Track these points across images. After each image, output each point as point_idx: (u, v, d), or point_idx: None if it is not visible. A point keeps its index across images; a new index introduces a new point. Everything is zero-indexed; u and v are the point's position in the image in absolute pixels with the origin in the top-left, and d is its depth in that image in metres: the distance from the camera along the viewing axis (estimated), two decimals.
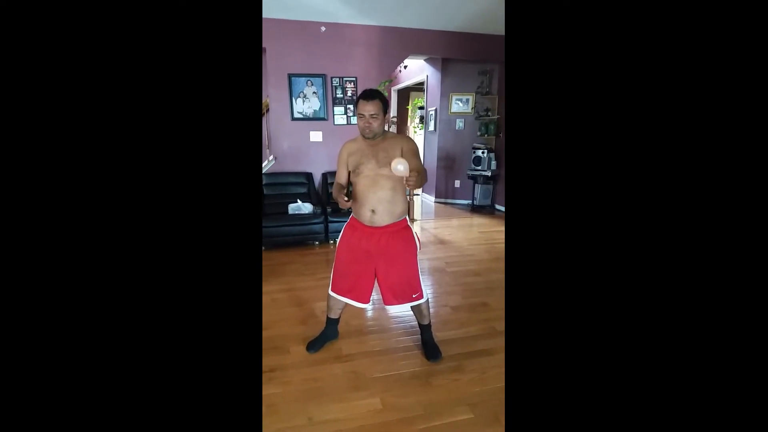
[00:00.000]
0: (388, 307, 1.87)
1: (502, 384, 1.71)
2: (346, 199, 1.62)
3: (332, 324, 1.99)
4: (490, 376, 1.77)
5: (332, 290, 1.88)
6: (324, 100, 4.17)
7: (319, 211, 3.73)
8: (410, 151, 1.67)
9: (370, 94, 1.62)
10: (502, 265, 3.24)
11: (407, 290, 1.81)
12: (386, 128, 1.71)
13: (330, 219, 3.70)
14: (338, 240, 1.85)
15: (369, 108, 1.60)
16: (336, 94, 4.19)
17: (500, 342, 2.05)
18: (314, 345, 1.95)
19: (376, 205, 1.68)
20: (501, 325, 2.22)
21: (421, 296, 1.84)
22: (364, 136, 1.68)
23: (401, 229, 1.75)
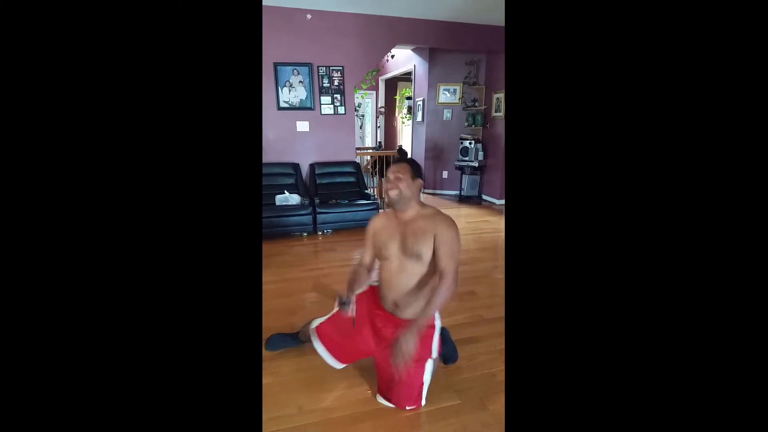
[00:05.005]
0: (380, 399, 1.54)
1: (489, 371, 1.75)
2: (348, 312, 1.40)
3: (299, 342, 1.85)
4: (477, 363, 1.80)
5: (318, 335, 1.64)
6: (310, 89, 4.11)
7: (306, 202, 3.70)
8: (443, 244, 1.40)
9: (398, 159, 1.60)
10: (489, 254, 3.28)
11: (403, 398, 1.49)
12: (419, 197, 1.53)
13: (318, 210, 3.68)
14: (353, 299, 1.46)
15: (393, 168, 1.49)
16: (323, 83, 4.14)
17: (487, 330, 2.08)
18: (275, 344, 1.85)
19: (399, 298, 1.52)
20: (488, 314, 2.26)
21: (418, 408, 1.50)
22: (391, 205, 1.52)
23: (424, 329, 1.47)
